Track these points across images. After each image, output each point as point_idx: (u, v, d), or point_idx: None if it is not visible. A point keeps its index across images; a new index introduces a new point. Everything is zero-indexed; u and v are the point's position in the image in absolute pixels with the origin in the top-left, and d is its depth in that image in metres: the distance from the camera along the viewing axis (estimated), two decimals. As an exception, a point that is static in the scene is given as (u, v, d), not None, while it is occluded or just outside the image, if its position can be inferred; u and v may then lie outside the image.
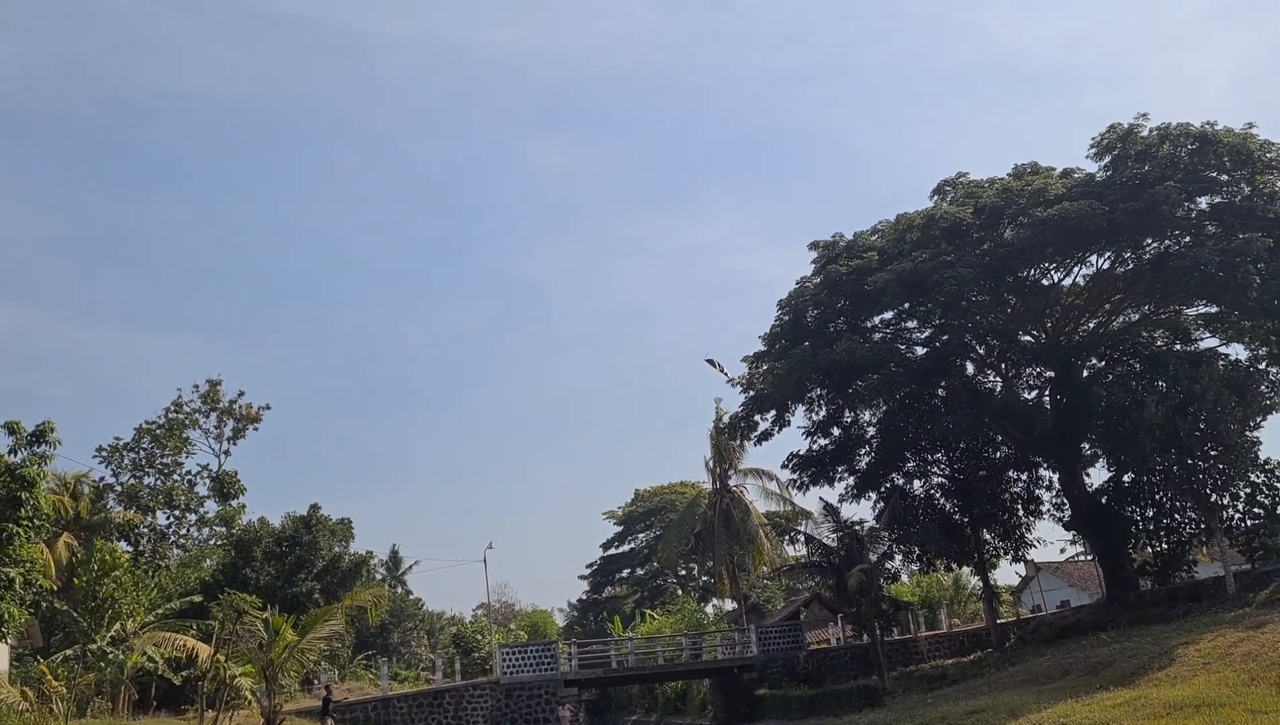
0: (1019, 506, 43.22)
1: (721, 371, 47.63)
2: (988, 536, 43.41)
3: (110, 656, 32.25)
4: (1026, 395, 42.74)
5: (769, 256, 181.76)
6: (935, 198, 42.07)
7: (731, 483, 54.35)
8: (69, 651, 33.74)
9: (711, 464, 54.56)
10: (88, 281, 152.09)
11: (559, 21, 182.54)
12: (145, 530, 52.81)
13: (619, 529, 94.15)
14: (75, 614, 34.01)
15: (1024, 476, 43.65)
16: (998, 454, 43.49)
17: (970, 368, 43.34)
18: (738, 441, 48.29)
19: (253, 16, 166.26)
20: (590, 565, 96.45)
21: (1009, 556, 43.82)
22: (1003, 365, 42.82)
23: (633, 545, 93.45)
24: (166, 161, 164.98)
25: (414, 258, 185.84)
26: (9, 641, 30.07)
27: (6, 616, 24.51)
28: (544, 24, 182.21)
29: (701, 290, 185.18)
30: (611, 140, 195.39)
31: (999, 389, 42.77)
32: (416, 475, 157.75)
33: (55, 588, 34.66)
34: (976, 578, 51.71)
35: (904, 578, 48.60)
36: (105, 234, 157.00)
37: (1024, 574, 63.03)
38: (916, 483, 43.95)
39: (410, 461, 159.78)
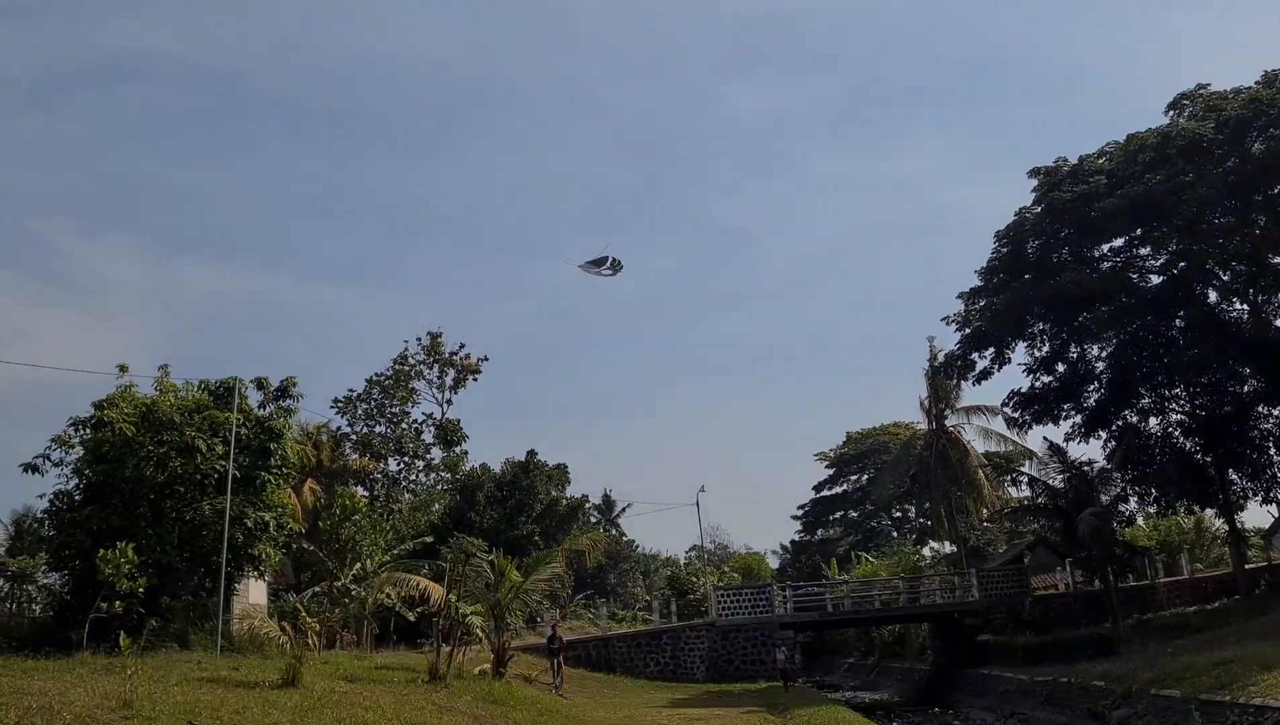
0: (1270, 445, 39.93)
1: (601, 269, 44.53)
2: (1234, 477, 40.48)
3: (354, 594, 34.61)
4: (1278, 324, 39.21)
5: (981, 188, 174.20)
6: (1171, 114, 38.89)
7: (948, 423, 52.53)
8: (317, 589, 36.41)
9: (927, 404, 52.89)
10: (314, 243, 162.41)
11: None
12: (379, 476, 56.18)
13: (830, 471, 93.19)
14: (321, 554, 36.58)
15: (1276, 412, 40.17)
16: (1245, 388, 40.16)
17: (1213, 296, 40.22)
18: (954, 381, 46.64)
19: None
20: (802, 507, 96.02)
21: (1259, 498, 40.76)
22: (1251, 292, 39.34)
23: (845, 488, 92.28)
24: (379, 124, 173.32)
25: (617, 205, 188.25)
26: (266, 579, 32.70)
27: (264, 557, 26.64)
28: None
29: (910, 225, 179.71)
30: (812, 76, 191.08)
31: (1246, 318, 39.42)
32: (626, 421, 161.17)
33: (303, 530, 37.35)
34: (1221, 521, 48.36)
35: (1139, 521, 45.90)
36: (326, 197, 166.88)
37: (1277, 517, 58.41)
38: (1152, 420, 41.34)
39: (619, 407, 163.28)
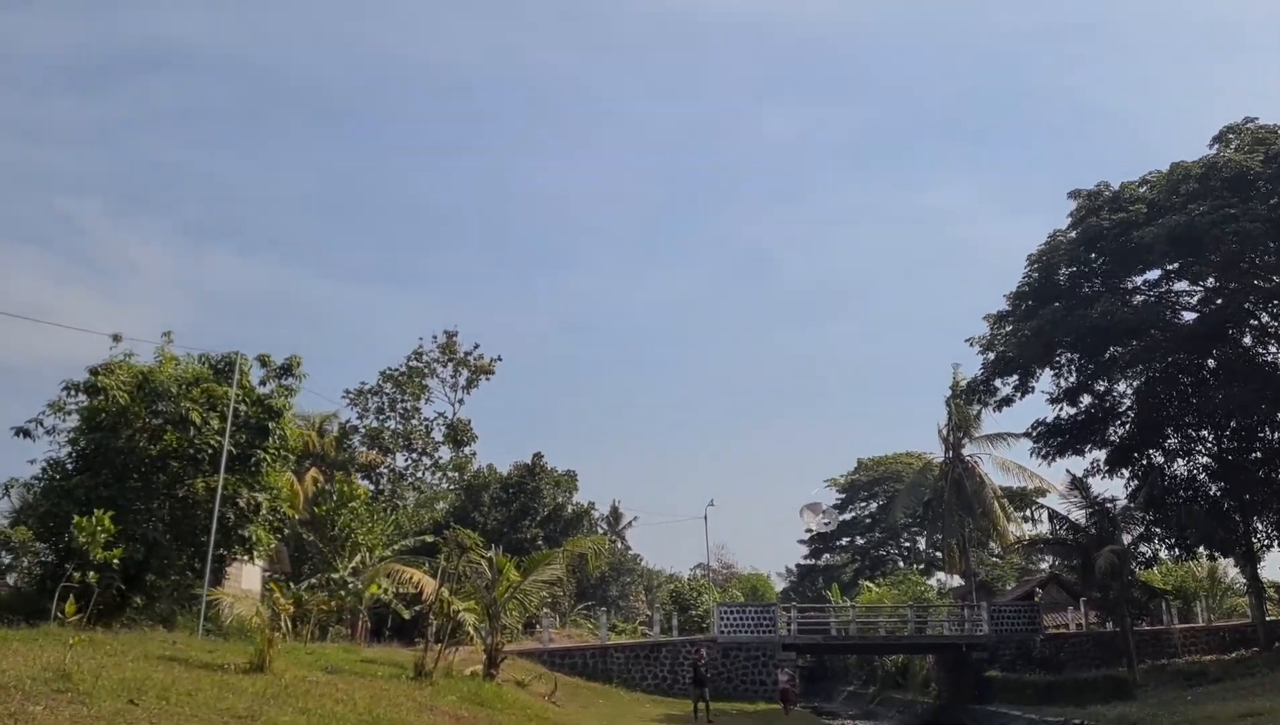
0: (1299, 494, 38.56)
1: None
2: (1259, 525, 39.18)
3: (350, 586, 33.69)
4: (1315, 371, 37.95)
5: (1004, 225, 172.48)
6: (1216, 146, 37.61)
7: (965, 452, 51.40)
8: (314, 579, 35.56)
9: (945, 432, 51.78)
10: (337, 240, 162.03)
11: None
12: (385, 471, 55.44)
13: (841, 497, 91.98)
14: (319, 544, 35.72)
15: (1306, 461, 38.88)
16: (1276, 435, 38.85)
17: (1248, 338, 38.88)
18: (975, 408, 45.57)
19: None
20: (809, 531, 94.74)
21: (1282, 548, 39.38)
22: (1288, 336, 38.12)
23: (854, 514, 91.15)
24: (405, 125, 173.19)
25: (642, 221, 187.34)
26: (260, 564, 31.85)
27: (255, 539, 25.77)
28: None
29: (930, 257, 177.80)
30: (845, 103, 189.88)
31: (1282, 363, 38.17)
32: (639, 435, 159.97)
33: (304, 519, 36.50)
34: (1236, 570, 47.08)
35: (1161, 561, 44.62)
36: (350, 194, 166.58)
37: (1297, 570, 56.98)
38: (1178, 461, 40.04)
39: (633, 421, 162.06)
